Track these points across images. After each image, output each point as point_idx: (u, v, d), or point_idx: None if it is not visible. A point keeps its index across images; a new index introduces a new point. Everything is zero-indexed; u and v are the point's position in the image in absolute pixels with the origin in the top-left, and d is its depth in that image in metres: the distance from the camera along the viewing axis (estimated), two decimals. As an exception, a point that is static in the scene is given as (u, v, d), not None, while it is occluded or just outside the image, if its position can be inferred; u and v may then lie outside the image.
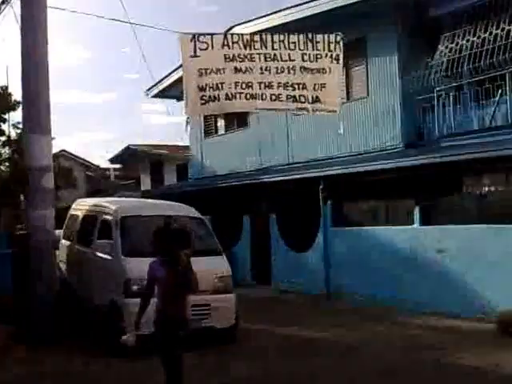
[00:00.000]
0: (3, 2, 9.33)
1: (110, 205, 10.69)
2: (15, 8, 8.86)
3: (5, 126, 27.35)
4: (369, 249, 13.01)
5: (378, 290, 12.49)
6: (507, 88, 11.48)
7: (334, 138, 14.94)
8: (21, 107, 9.95)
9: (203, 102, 8.53)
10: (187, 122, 9.07)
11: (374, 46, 14.22)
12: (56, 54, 63.31)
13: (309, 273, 14.60)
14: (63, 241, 12.45)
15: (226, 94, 8.59)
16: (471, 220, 11.10)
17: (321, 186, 14.28)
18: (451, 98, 12.57)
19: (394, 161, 12.47)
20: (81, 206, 12.40)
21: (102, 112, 77.29)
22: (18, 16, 8.74)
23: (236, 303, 9.65)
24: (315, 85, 8.95)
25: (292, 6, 14.98)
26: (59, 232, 12.09)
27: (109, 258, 9.57)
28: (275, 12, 15.27)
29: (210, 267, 9.40)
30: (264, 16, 15.44)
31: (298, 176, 15.04)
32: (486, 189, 11.26)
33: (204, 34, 8.55)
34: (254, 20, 15.62)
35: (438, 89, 12.72)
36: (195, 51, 8.45)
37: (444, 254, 11.44)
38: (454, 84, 12.62)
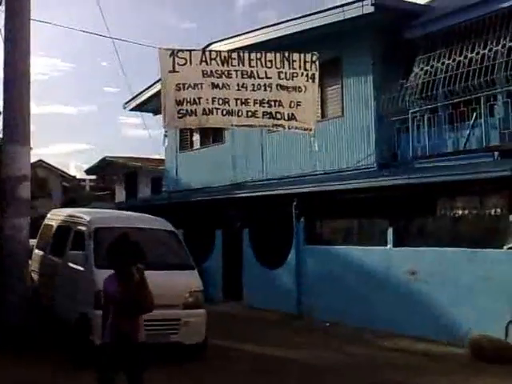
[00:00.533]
0: None
1: (84, 215, 10.50)
2: None
3: None
4: (341, 268, 12.87)
5: (350, 310, 12.33)
6: (482, 111, 11.31)
7: (308, 156, 14.73)
8: (1, 117, 9.72)
9: (180, 115, 8.42)
10: (165, 136, 8.85)
11: (349, 66, 14.15)
12: (37, 66, 62.53)
13: (281, 290, 14.38)
14: (37, 251, 12.21)
15: (203, 109, 8.49)
16: (444, 242, 11.00)
17: (294, 203, 14.08)
18: (426, 120, 12.46)
19: (367, 180, 12.32)
20: (55, 216, 12.18)
21: (80, 124, 76.56)
22: (1, 28, 8.85)
23: (206, 319, 9.39)
24: (291, 102, 8.88)
25: (269, 26, 14.90)
26: (33, 242, 11.91)
27: (81, 269, 9.36)
28: (252, 31, 15.20)
29: (181, 281, 9.29)
30: (241, 34, 15.39)
31: (271, 192, 14.82)
32: (460, 212, 10.96)
33: (183, 50, 8.49)
34: (231, 38, 15.55)
35: (412, 110, 12.64)
36: (174, 66, 8.37)
37: (416, 276, 11.31)
38: (429, 106, 12.49)
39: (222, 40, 15.67)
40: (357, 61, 13.75)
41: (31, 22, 8.76)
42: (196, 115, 8.45)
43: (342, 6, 12.71)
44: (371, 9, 12.23)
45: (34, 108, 57.19)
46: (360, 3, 12.26)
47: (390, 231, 11.90)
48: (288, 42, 13.03)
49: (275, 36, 14.23)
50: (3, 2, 8.75)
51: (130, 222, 10.21)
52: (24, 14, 8.62)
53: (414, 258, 11.36)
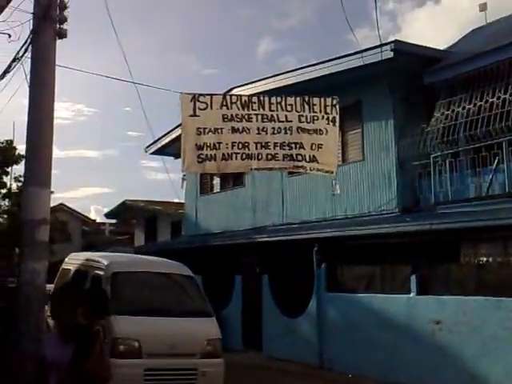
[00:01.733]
0: (14, 60, 9.44)
1: (101, 259, 10.47)
2: (25, 65, 8.98)
3: (7, 179, 27.59)
4: (363, 316, 12.61)
5: (372, 361, 12.09)
6: (504, 156, 11.22)
7: (329, 200, 14.70)
8: (23, 160, 9.89)
9: (200, 160, 8.41)
10: (183, 179, 8.83)
11: (369, 111, 14.21)
12: (62, 111, 63.96)
13: (301, 339, 14.12)
14: None
15: (223, 154, 8.48)
16: (469, 290, 10.77)
17: (315, 249, 13.92)
18: (448, 165, 12.39)
19: (389, 226, 12.20)
20: (73, 260, 12.17)
21: (102, 167, 77.56)
22: (27, 73, 8.86)
23: (224, 369, 9.17)
24: (312, 144, 8.83)
25: (289, 71, 15.11)
26: (51, 287, 11.72)
27: None
28: (273, 76, 15.41)
29: (198, 329, 9.14)
30: (262, 79, 15.61)
31: (291, 237, 14.68)
32: (484, 258, 10.78)
33: (204, 95, 8.52)
34: (252, 83, 15.80)
35: (434, 155, 12.59)
36: (195, 110, 8.40)
37: (441, 325, 11.03)
38: (451, 151, 12.44)
39: (243, 85, 15.93)
40: (377, 105, 13.83)
41: (57, 67, 9.00)
42: (215, 160, 8.44)
43: (361, 51, 12.80)
44: (390, 54, 12.37)
45: (58, 152, 58.34)
46: (379, 49, 12.31)
47: (413, 278, 11.70)
48: (308, 87, 13.00)
49: (296, 81, 14.41)
50: (29, 49, 8.90)
51: (147, 266, 10.24)
52: (50, 60, 8.77)
53: (438, 307, 11.13)
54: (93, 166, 75.56)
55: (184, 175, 8.70)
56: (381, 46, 12.14)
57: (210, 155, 8.37)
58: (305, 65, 14.75)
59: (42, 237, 8.71)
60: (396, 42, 12.63)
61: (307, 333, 13.96)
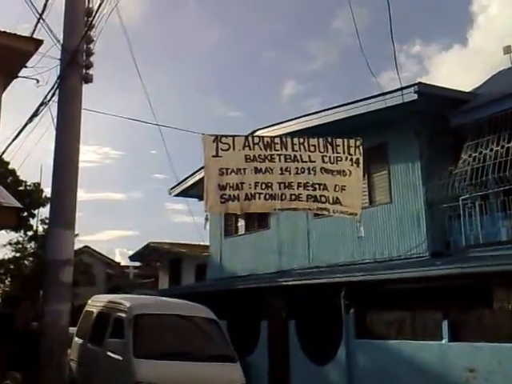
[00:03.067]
0: (41, 104, 9.80)
1: (124, 302, 10.50)
2: (52, 109, 9.37)
3: (33, 222, 28.04)
4: (394, 364, 12.31)
5: None
6: (534, 199, 11.02)
7: (357, 243, 14.58)
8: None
9: (223, 200, 8.49)
10: (206, 220, 8.90)
11: (395, 153, 14.19)
12: (88, 154, 65.22)
13: (331, 388, 13.66)
14: (76, 339, 12.16)
15: (246, 194, 8.56)
16: (504, 337, 10.46)
17: (342, 293, 13.68)
18: (477, 207, 12.24)
19: (419, 269, 11.98)
20: (96, 303, 12.22)
21: (128, 210, 78.39)
22: (54, 117, 9.23)
23: None
24: (336, 186, 8.84)
25: (313, 113, 15.20)
26: (73, 329, 11.84)
27: (119, 358, 9.21)
28: (296, 118, 15.50)
29: (222, 375, 9.02)
30: (286, 121, 15.69)
31: (318, 281, 14.49)
32: (518, 304, 10.47)
33: (226, 136, 8.64)
34: (275, 124, 15.89)
35: (462, 197, 12.51)
36: (217, 151, 8.51)
37: (475, 373, 10.68)
38: (480, 193, 12.30)
39: (267, 127, 16.04)
40: (403, 147, 13.81)
41: (83, 111, 9.19)
42: (238, 200, 8.49)
43: (385, 94, 12.88)
44: (414, 96, 12.40)
45: (84, 194, 59.18)
46: (401, 91, 12.27)
47: (445, 324, 11.44)
48: (332, 130, 13.09)
49: (319, 123, 14.48)
50: (56, 93, 9.22)
51: (170, 308, 10.21)
52: (76, 104, 9.08)
53: (472, 354, 10.81)
54: (118, 208, 76.45)
55: (207, 216, 8.72)
56: (403, 88, 12.18)
57: (233, 195, 8.43)
58: (328, 107, 14.81)
59: (66, 278, 8.83)
60: (419, 84, 12.66)
61: (336, 381, 13.64)
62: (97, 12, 8.81)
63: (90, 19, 8.96)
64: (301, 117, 15.35)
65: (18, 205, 8.57)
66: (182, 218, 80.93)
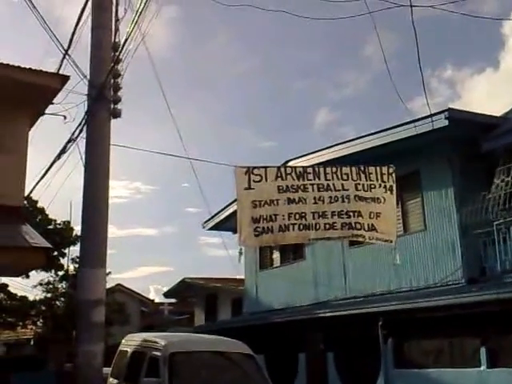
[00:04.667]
0: (69, 141, 9.86)
1: (159, 340, 10.42)
2: (80, 145, 9.39)
3: (64, 261, 28.10)
4: (433, 393, 12.29)
5: None
6: None
7: (393, 272, 14.72)
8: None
9: (257, 233, 8.58)
10: (240, 253, 9.06)
11: (428, 179, 14.37)
12: (119, 190, 66.42)
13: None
14: (111, 379, 12.01)
15: (280, 226, 8.64)
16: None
17: (380, 323, 13.87)
18: (511, 232, 12.36)
19: (455, 297, 12.09)
20: (130, 342, 12.16)
21: (161, 245, 78.98)
22: (82, 153, 9.26)
23: None
24: (370, 213, 8.93)
25: (344, 142, 15.49)
26: (108, 370, 11.63)
27: None
28: (329, 147, 15.76)
29: None
30: (318, 150, 15.96)
31: (355, 311, 14.67)
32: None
33: (258, 167, 8.76)
34: (308, 154, 16.15)
35: (496, 222, 12.57)
36: (249, 183, 8.63)
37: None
38: (513, 218, 12.45)
39: (299, 157, 16.30)
40: (435, 173, 14.00)
41: (112, 146, 9.17)
42: (272, 232, 8.53)
43: (415, 121, 13.11)
44: (445, 122, 12.61)
45: (115, 231, 59.98)
46: (433, 118, 12.57)
47: (483, 351, 11.50)
48: (364, 158, 13.13)
49: (351, 152, 14.71)
50: (84, 129, 9.25)
51: (206, 345, 10.20)
52: (104, 139, 9.06)
53: (511, 381, 10.88)
54: (151, 244, 77.14)
55: (241, 249, 8.91)
56: (434, 114, 12.37)
57: (267, 227, 8.52)
58: (360, 135, 15.14)
59: (98, 318, 8.76)
60: (450, 110, 12.84)
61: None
62: (123, 46, 8.85)
63: (117, 54, 8.96)
64: (332, 146, 15.62)
65: (47, 244, 8.45)
66: (217, 251, 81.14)
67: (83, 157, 9.10)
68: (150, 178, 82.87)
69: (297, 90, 70.06)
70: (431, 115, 12.28)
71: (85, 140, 9.14)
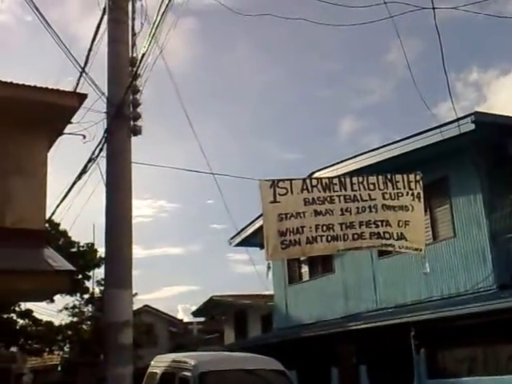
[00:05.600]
0: (90, 161, 9.77)
1: (188, 360, 10.39)
2: (101, 165, 9.26)
3: (89, 283, 28.13)
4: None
5: None
6: None
7: (423, 281, 14.65)
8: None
9: (284, 246, 8.61)
10: (268, 268, 9.06)
11: (456, 186, 14.33)
12: (143, 209, 66.86)
13: None
14: None
15: (307, 238, 8.67)
16: None
17: (412, 333, 13.87)
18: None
19: (487, 303, 12.07)
20: (160, 363, 12.14)
21: (188, 264, 79.17)
22: (103, 173, 9.15)
23: None
24: (399, 222, 8.93)
25: (370, 150, 15.51)
26: None
27: None
28: (354, 156, 15.77)
29: None
30: (343, 160, 15.97)
31: (386, 322, 14.67)
32: None
33: (283, 180, 8.80)
34: (333, 165, 16.17)
35: None
36: (275, 197, 8.67)
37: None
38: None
39: (324, 168, 16.32)
40: (463, 179, 13.95)
41: (134, 164, 8.95)
42: (300, 245, 8.55)
43: (441, 126, 13.07)
44: (472, 126, 12.56)
45: (140, 251, 60.39)
46: (459, 122, 12.35)
47: (517, 356, 11.30)
48: (390, 166, 13.16)
49: (377, 160, 14.78)
50: (104, 148, 9.12)
51: (237, 363, 10.15)
52: (125, 157, 8.91)
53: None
54: (177, 263, 77.35)
55: (269, 264, 8.85)
56: (460, 119, 12.27)
57: (294, 240, 8.54)
58: (385, 143, 15.16)
59: (126, 340, 8.62)
60: (476, 113, 12.80)
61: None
62: (141, 61, 8.69)
63: (135, 69, 8.81)
64: (357, 156, 15.62)
65: (71, 267, 8.34)
66: (245, 268, 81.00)
67: (104, 176, 9.00)
68: (174, 196, 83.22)
69: (320, 98, 70.10)
70: (457, 119, 12.17)
71: (105, 159, 9.01)
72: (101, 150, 9.20)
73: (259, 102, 74.37)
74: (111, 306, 8.72)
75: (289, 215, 8.66)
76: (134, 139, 8.90)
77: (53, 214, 11.99)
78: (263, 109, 73.14)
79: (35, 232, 8.80)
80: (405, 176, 9.11)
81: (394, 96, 74.31)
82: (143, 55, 8.62)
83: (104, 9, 9.13)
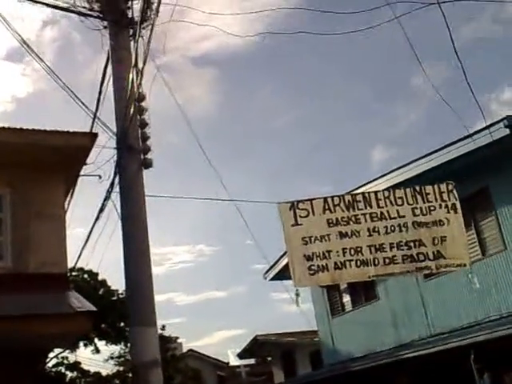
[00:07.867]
0: (106, 199, 9.99)
1: None
2: (116, 202, 9.43)
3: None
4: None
5: None
6: None
7: (477, 300, 14.25)
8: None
9: (312, 272, 8.41)
10: (296, 295, 8.80)
11: (499, 194, 13.91)
12: (182, 255, 67.05)
13: None
14: None
15: (335, 263, 8.43)
16: None
17: (472, 356, 13.25)
18: None
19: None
20: None
21: (233, 307, 78.92)
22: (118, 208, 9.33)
23: None
24: (434, 239, 8.58)
25: (400, 167, 15.05)
26: None
27: None
28: (381, 176, 15.38)
29: None
30: (370, 181, 15.55)
31: (442, 347, 14.09)
32: None
33: (303, 201, 8.66)
34: (360, 187, 15.51)
35: None
36: (296, 219, 8.53)
37: None
38: None
39: (353, 190, 15.51)
40: (506, 187, 13.61)
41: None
42: (328, 271, 8.34)
43: (472, 134, 12.58)
44: (505, 131, 12.28)
45: (184, 298, 60.68)
46: (492, 128, 12.26)
47: None
48: (423, 181, 12.84)
49: (408, 177, 14.28)
50: (117, 183, 9.35)
51: None
52: (138, 191, 9.14)
53: None
54: (222, 307, 77.12)
55: (297, 291, 8.63)
56: (491, 125, 12.10)
57: (322, 265, 8.34)
58: (415, 158, 14.72)
59: (157, 379, 8.52)
60: (508, 117, 12.48)
61: None
62: (144, 97, 9.11)
63: (142, 104, 9.16)
64: (386, 174, 15.24)
65: (92, 308, 8.45)
66: (291, 307, 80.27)
67: (119, 211, 9.22)
68: (213, 239, 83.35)
69: (348, 129, 69.76)
70: (489, 126, 11.93)
71: (119, 195, 9.27)
72: (112, 185, 9.51)
73: (287, 139, 74.31)
74: (137, 343, 8.69)
75: (313, 238, 8.48)
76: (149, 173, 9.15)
77: (78, 258, 12.38)
78: (292, 145, 72.98)
79: (58, 276, 9.14)
80: (435, 187, 8.81)
81: (423, 122, 73.41)
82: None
83: (108, 51, 9.75)
